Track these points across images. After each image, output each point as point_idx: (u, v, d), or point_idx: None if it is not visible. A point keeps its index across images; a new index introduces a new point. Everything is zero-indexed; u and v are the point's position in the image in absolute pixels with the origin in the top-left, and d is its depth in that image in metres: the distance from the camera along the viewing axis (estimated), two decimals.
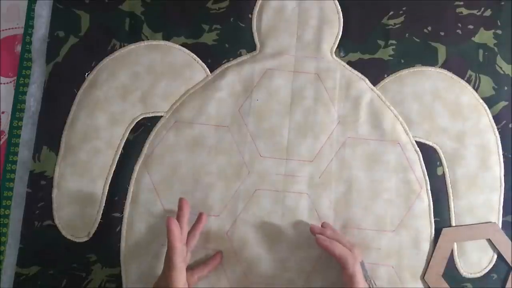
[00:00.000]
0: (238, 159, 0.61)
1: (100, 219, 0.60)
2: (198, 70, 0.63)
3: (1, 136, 0.64)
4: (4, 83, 0.65)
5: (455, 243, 0.61)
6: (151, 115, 0.61)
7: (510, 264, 0.61)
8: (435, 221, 0.61)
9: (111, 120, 0.61)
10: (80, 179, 0.60)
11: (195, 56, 0.63)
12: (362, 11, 0.65)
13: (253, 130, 0.62)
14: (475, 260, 0.61)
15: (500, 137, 0.63)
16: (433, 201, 0.62)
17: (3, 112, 0.64)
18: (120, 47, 0.63)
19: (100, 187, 0.60)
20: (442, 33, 0.65)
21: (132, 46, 0.63)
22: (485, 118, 0.64)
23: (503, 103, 0.64)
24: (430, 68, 0.64)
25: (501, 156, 0.63)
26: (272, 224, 0.61)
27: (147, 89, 0.62)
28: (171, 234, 0.52)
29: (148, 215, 0.60)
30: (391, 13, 0.65)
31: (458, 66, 0.64)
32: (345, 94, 0.63)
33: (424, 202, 0.62)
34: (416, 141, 0.63)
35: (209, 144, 0.61)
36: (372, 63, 0.64)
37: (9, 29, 0.66)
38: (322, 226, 0.59)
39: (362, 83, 0.63)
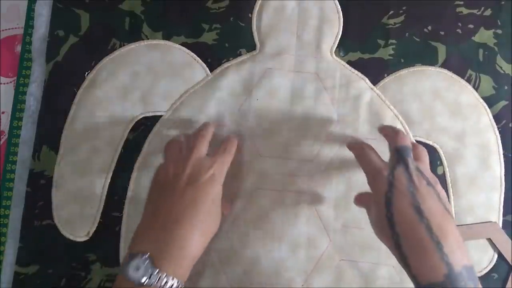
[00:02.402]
0: (238, 158, 0.61)
1: (100, 219, 0.60)
2: (198, 69, 0.63)
3: (1, 136, 0.64)
4: (4, 83, 0.65)
5: None
6: (151, 114, 0.61)
7: (511, 264, 0.61)
8: None
9: (111, 119, 0.61)
10: (80, 178, 0.60)
11: (195, 55, 0.63)
12: (362, 11, 0.65)
13: (253, 129, 0.61)
14: (476, 259, 0.61)
15: (500, 137, 0.63)
16: None
17: (3, 112, 0.64)
18: (120, 46, 0.62)
19: (99, 187, 0.60)
20: (442, 33, 0.64)
21: (132, 46, 0.63)
22: (485, 117, 0.63)
23: (503, 103, 0.64)
24: (430, 68, 0.64)
25: (501, 156, 0.63)
26: (272, 223, 0.61)
27: (147, 88, 0.62)
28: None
29: None
30: (391, 12, 0.65)
31: (458, 66, 0.64)
32: (345, 93, 0.63)
33: None
34: (416, 141, 0.62)
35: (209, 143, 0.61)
36: (372, 62, 0.64)
37: (9, 29, 0.66)
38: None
39: (362, 82, 0.63)
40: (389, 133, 0.53)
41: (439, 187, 0.49)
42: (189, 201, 0.49)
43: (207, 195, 0.50)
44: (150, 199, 0.52)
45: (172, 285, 0.45)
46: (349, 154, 0.61)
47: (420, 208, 0.45)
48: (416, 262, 0.44)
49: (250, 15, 0.64)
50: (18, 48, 0.65)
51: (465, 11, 0.65)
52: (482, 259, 0.61)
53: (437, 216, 0.45)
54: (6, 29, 0.66)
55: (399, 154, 0.49)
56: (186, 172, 0.51)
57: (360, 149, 0.53)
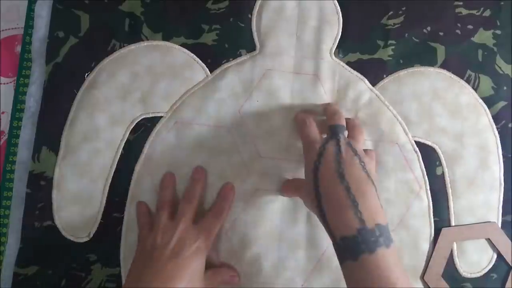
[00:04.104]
0: (238, 159, 0.61)
1: (101, 220, 0.60)
2: (198, 70, 0.63)
3: (1, 136, 0.64)
4: (4, 83, 0.65)
5: (454, 243, 0.61)
6: (151, 115, 0.61)
7: (510, 264, 0.61)
8: (434, 221, 0.62)
9: (111, 120, 0.61)
10: (80, 179, 0.60)
11: (195, 56, 0.63)
12: (361, 12, 0.64)
13: (253, 130, 0.62)
14: (475, 259, 0.62)
15: (500, 137, 0.63)
16: (432, 201, 0.62)
17: (3, 112, 0.64)
18: (120, 47, 0.62)
19: (100, 188, 0.60)
20: (441, 33, 0.65)
21: (132, 47, 0.62)
22: (484, 118, 0.64)
23: (502, 103, 0.64)
24: (429, 68, 0.64)
25: (501, 156, 0.63)
26: (272, 224, 0.61)
27: (147, 89, 0.62)
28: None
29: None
30: (390, 13, 0.65)
31: (457, 66, 0.64)
32: (344, 94, 0.63)
33: (424, 202, 0.62)
34: (415, 141, 0.63)
35: (209, 144, 0.61)
36: (371, 63, 0.64)
37: (9, 29, 0.66)
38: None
39: (361, 83, 0.63)
40: (329, 113, 0.58)
41: (371, 162, 0.54)
42: (167, 277, 0.51)
43: (186, 271, 0.52)
44: (134, 264, 0.54)
45: None
46: None
47: (342, 173, 0.49)
48: (333, 218, 0.48)
49: (250, 15, 0.64)
50: (18, 48, 0.65)
51: (464, 11, 0.65)
52: (482, 259, 0.62)
53: (358, 180, 0.49)
54: (6, 29, 0.66)
55: (332, 131, 0.55)
56: (171, 244, 0.53)
57: (302, 122, 0.57)
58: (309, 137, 0.55)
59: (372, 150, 0.59)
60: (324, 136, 0.56)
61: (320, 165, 0.51)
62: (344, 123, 0.56)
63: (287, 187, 0.60)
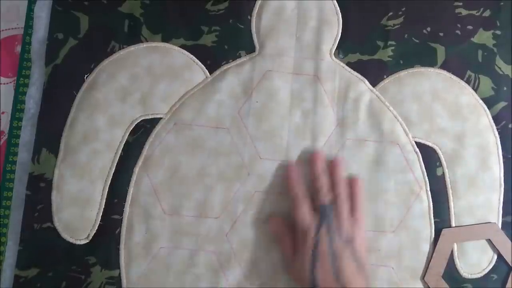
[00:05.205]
0: (237, 160, 0.61)
1: (100, 221, 0.60)
2: (197, 71, 0.63)
3: (1, 136, 0.64)
4: (4, 84, 0.65)
5: (455, 244, 0.61)
6: (150, 117, 0.61)
7: (510, 264, 0.61)
8: (434, 222, 0.62)
9: (110, 122, 0.61)
10: (80, 181, 0.60)
11: (194, 57, 0.63)
12: (361, 12, 0.64)
13: (253, 132, 0.62)
14: (475, 260, 0.61)
15: (500, 138, 0.63)
16: (432, 201, 0.62)
17: (3, 113, 0.64)
18: (119, 49, 0.62)
19: (99, 189, 0.60)
20: (441, 34, 0.64)
21: (131, 48, 0.62)
22: (484, 118, 0.64)
23: (502, 104, 0.64)
24: (429, 69, 0.64)
25: (501, 157, 0.63)
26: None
27: (146, 91, 0.62)
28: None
29: (147, 217, 0.60)
30: (390, 14, 0.64)
31: (457, 67, 0.64)
32: (344, 95, 0.63)
33: (424, 202, 0.62)
34: (415, 142, 0.63)
35: (209, 146, 0.61)
36: (371, 64, 0.64)
37: (9, 29, 0.66)
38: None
39: (361, 84, 0.63)
40: (315, 189, 0.59)
41: (360, 235, 0.57)
42: None
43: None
44: None
45: None
46: (348, 156, 0.62)
47: (337, 271, 0.54)
48: None
49: (249, 17, 0.64)
50: (18, 49, 0.65)
51: (464, 12, 0.65)
52: (482, 260, 0.62)
53: (350, 276, 0.54)
54: (6, 29, 0.66)
55: (321, 212, 0.56)
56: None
57: (296, 201, 0.58)
58: (305, 221, 0.57)
59: (358, 215, 0.59)
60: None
61: (318, 255, 0.55)
62: (329, 200, 0.58)
63: (274, 228, 0.60)
